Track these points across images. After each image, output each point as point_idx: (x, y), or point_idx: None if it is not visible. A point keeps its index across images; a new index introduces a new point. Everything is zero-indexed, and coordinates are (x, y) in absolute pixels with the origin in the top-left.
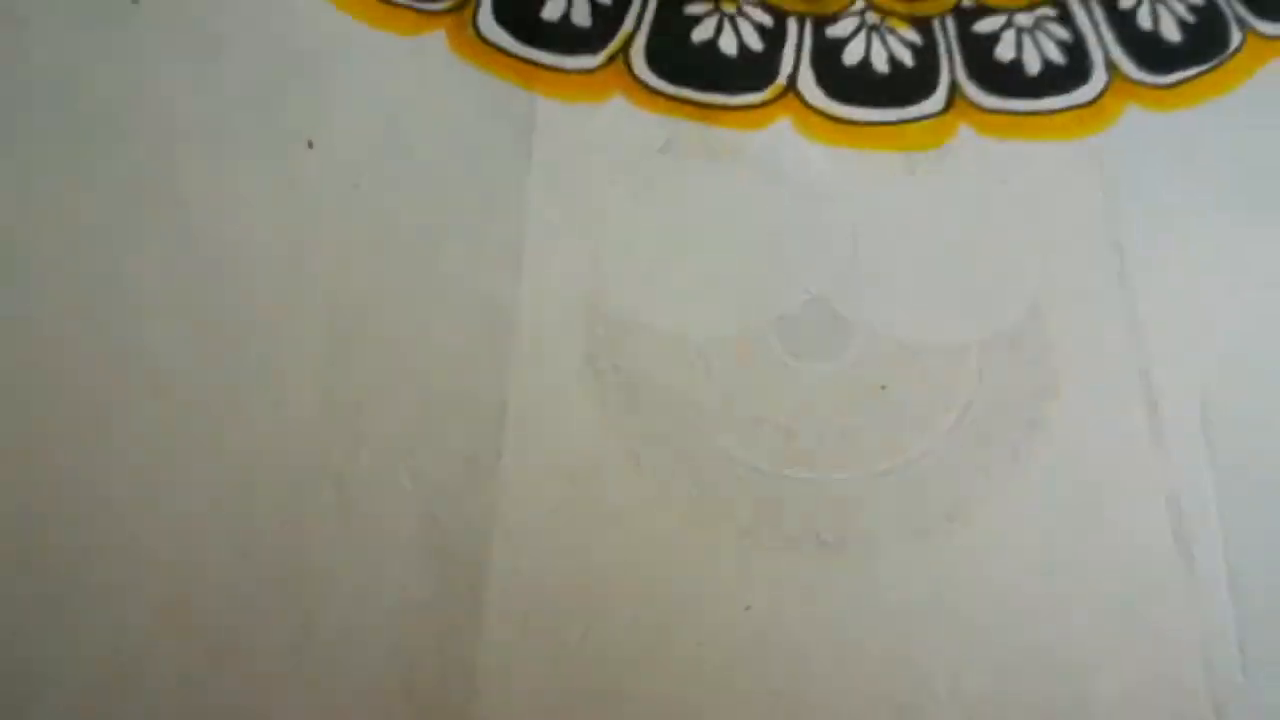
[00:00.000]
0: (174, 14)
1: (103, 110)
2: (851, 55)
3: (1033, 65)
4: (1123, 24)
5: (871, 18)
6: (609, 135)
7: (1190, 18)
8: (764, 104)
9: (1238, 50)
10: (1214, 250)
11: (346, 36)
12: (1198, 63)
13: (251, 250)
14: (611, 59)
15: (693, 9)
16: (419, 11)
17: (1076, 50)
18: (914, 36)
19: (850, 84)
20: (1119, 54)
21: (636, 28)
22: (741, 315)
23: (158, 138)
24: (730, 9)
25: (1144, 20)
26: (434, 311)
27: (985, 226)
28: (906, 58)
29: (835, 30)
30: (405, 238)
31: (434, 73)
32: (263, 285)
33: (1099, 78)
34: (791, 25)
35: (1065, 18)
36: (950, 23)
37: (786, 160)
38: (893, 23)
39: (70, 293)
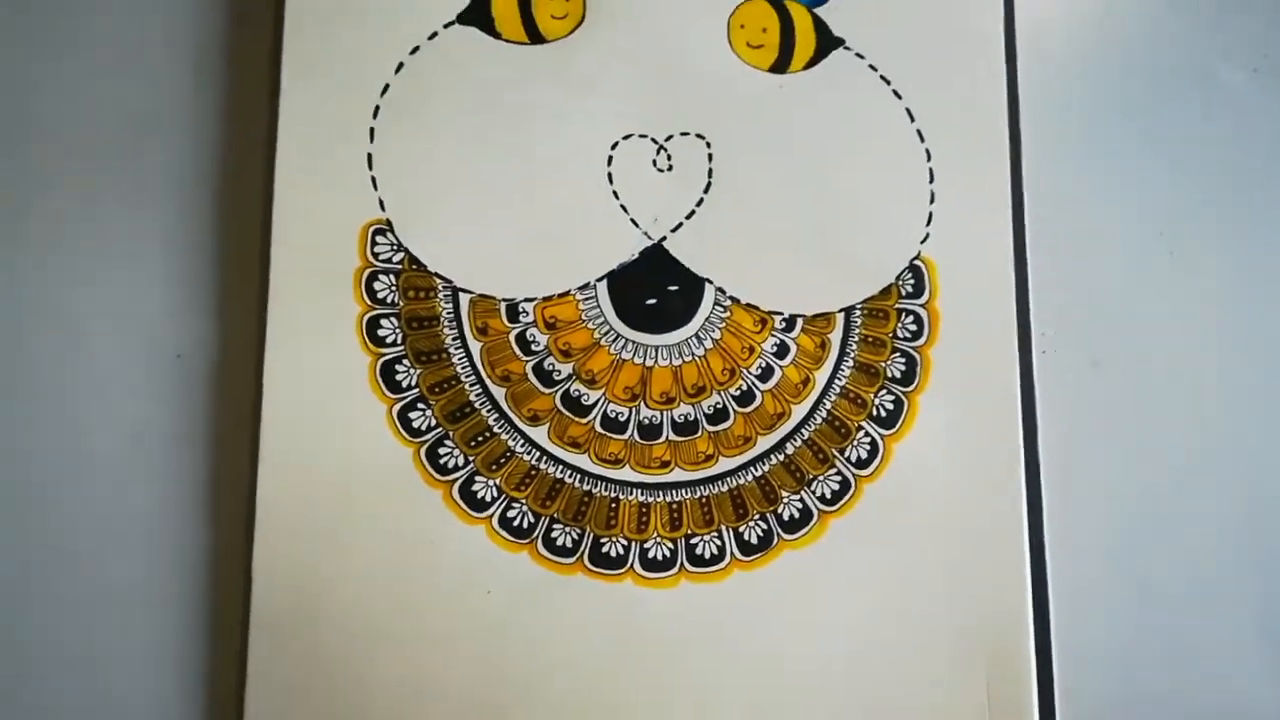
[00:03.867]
0: None
1: None
2: (652, 554)
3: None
4: (740, 536)
5: (659, 540)
6: None
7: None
8: (620, 574)
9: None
10: None
11: None
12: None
13: None
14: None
15: (603, 538)
16: (506, 539)
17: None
18: (668, 545)
19: (657, 564)
20: (738, 550)
21: (582, 537)
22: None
23: None
24: (623, 540)
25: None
26: None
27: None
28: (668, 551)
29: (648, 546)
30: None
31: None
32: None
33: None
34: (634, 546)
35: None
36: (683, 542)
37: (630, 598)
38: (664, 540)
39: None
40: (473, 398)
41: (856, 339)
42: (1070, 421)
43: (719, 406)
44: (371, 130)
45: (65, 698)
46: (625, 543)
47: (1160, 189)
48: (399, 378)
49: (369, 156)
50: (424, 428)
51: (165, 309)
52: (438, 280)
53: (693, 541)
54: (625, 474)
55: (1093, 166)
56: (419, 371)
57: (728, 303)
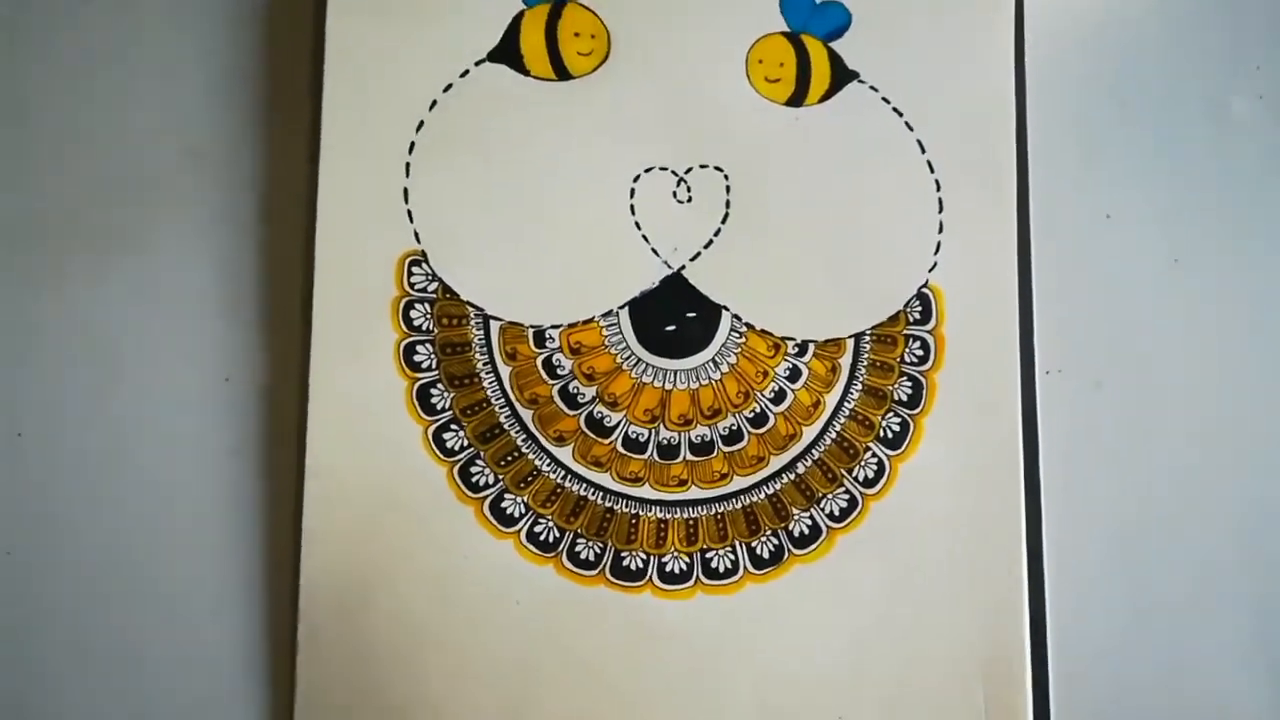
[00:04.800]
0: None
1: None
2: (669, 568)
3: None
4: (752, 551)
5: (676, 554)
6: None
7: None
8: (640, 586)
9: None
10: None
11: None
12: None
13: None
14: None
15: (624, 552)
16: (533, 552)
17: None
18: (685, 559)
19: (674, 577)
20: (750, 565)
21: (604, 551)
22: None
23: None
24: (642, 554)
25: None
26: None
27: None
28: (684, 564)
29: (666, 560)
30: None
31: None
32: None
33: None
34: (653, 560)
35: None
36: (699, 556)
37: (649, 609)
38: (681, 554)
39: None
40: (502, 419)
41: (865, 364)
42: (1071, 441)
43: (734, 428)
44: (407, 165)
45: (122, 699)
46: (644, 557)
47: (1163, 219)
48: (434, 400)
49: (405, 190)
50: (457, 448)
51: (214, 335)
52: (470, 308)
53: (708, 556)
54: (645, 492)
55: (1098, 196)
56: (452, 395)
57: (743, 329)
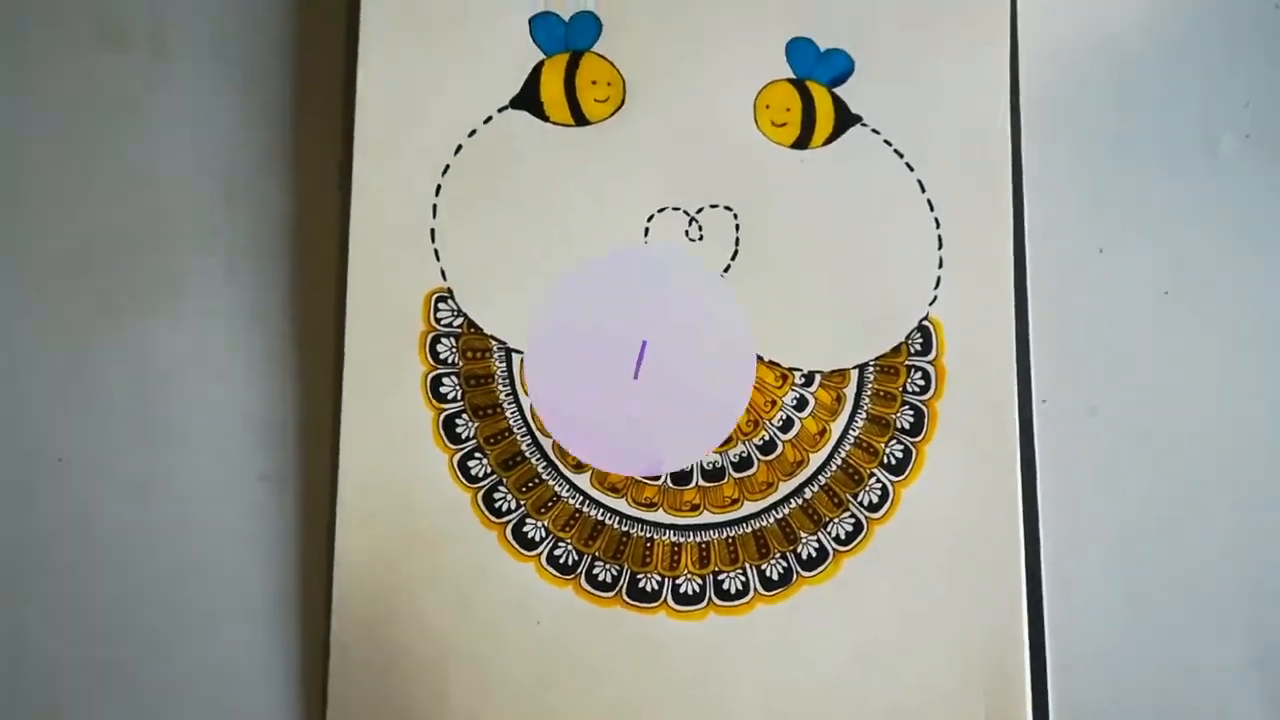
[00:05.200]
0: None
1: None
2: (683, 590)
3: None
4: (762, 573)
5: (689, 576)
6: None
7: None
8: (655, 607)
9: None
10: None
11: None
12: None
13: None
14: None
15: (639, 575)
16: (553, 575)
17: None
18: (698, 581)
19: (687, 599)
20: (761, 586)
21: (620, 574)
22: None
23: None
24: (657, 576)
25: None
26: None
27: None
28: (697, 586)
29: (679, 582)
30: None
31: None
32: None
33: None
34: (667, 582)
35: None
36: (711, 578)
37: (663, 627)
38: (694, 576)
39: None
40: (524, 448)
41: (869, 393)
42: (1067, 466)
43: (744, 455)
44: (434, 206)
45: (158, 715)
46: (659, 579)
47: (1154, 253)
48: (459, 430)
49: (432, 230)
50: (481, 475)
51: (249, 366)
52: (493, 342)
53: (720, 578)
54: (659, 516)
55: (1091, 230)
56: (476, 424)
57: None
